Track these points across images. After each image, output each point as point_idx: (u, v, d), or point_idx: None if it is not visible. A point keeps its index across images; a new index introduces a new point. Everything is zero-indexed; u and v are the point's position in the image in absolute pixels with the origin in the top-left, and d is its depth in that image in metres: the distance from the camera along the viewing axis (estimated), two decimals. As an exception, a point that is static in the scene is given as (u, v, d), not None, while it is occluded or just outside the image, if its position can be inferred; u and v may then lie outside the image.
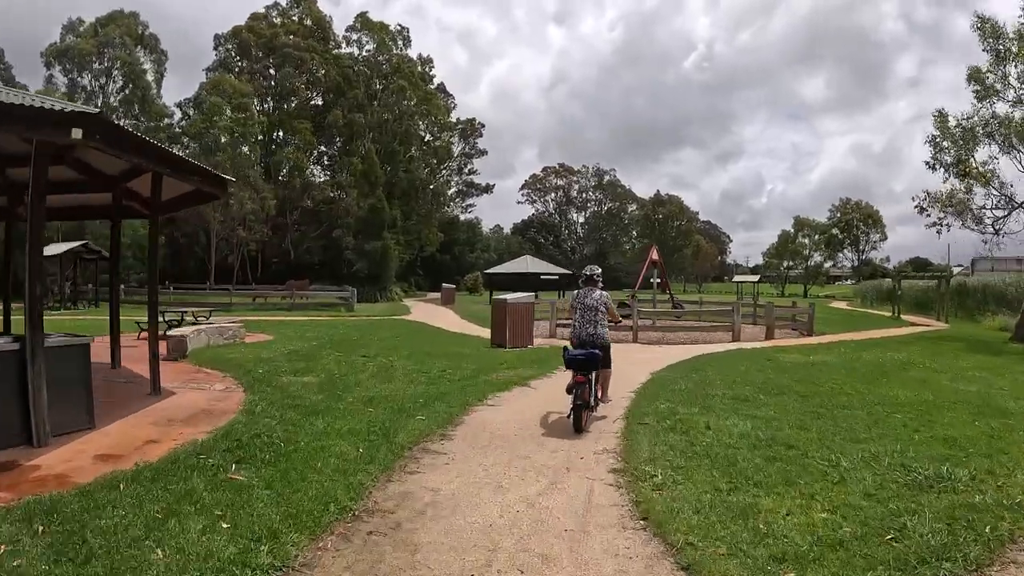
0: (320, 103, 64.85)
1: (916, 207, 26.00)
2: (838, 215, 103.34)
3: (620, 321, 10.48)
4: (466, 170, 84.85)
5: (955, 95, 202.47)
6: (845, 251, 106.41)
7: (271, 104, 61.44)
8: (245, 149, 50.44)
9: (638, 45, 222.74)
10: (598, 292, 9.36)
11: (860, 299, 60.03)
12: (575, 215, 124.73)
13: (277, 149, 59.06)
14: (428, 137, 75.13)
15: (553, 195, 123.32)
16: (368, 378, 12.20)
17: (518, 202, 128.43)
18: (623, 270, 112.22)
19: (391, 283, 51.43)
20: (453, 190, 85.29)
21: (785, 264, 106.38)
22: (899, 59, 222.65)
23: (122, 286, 39.04)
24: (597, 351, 8.79)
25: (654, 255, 26.37)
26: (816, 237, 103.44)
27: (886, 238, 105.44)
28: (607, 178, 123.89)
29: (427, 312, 36.99)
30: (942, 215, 25.19)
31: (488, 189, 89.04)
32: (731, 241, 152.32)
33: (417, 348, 17.53)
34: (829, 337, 23.18)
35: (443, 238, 75.55)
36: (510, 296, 18.53)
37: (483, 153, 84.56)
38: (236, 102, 48.97)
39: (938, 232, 25.74)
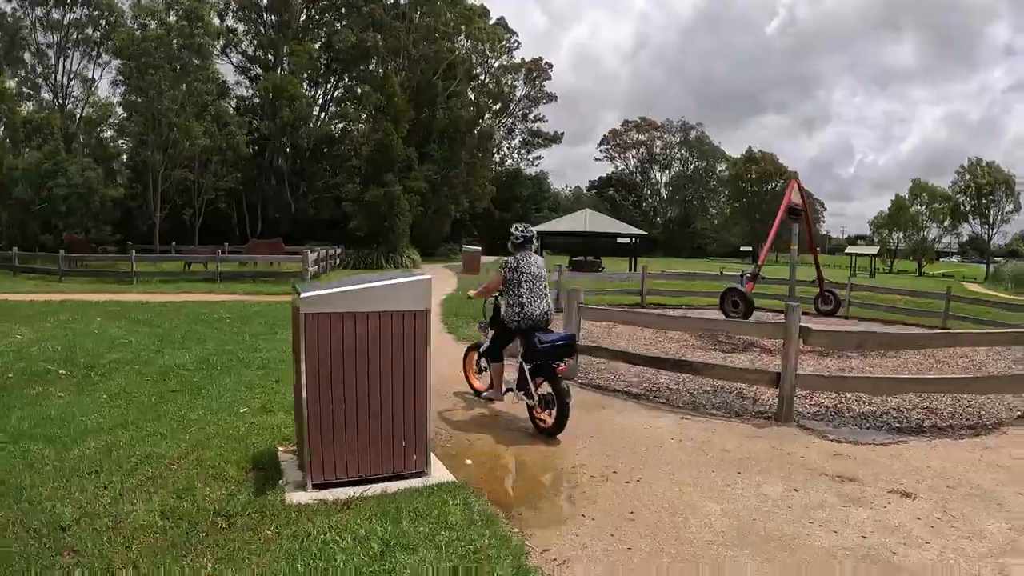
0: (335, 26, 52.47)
1: None
2: (967, 177, 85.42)
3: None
4: (531, 116, 71.94)
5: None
6: (971, 222, 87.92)
7: (266, 27, 49.63)
8: (196, 61, 38.25)
9: (719, 9, 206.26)
10: (539, 258, 7.50)
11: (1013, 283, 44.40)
12: (658, 174, 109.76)
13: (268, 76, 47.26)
14: (482, 75, 62.30)
15: (634, 151, 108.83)
16: None
17: (596, 159, 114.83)
18: (710, 236, 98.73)
19: (402, 244, 38.50)
20: (517, 140, 73.18)
21: (898, 236, 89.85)
22: (991, 26, 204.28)
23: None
24: (573, 332, 7.87)
25: (794, 195, 12.88)
26: (938, 205, 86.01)
27: (1020, 208, 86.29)
28: (694, 133, 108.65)
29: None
30: None
31: (557, 138, 75.65)
32: (825, 210, 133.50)
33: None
34: None
35: (495, 192, 62.15)
36: (327, 290, 5.00)
37: (552, 98, 71.39)
38: (184, 8, 37.29)
39: None
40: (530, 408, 7.02)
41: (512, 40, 65.23)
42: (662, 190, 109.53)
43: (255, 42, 48.62)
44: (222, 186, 42.45)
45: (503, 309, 7.56)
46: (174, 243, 35.87)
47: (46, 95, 43.32)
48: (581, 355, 9.31)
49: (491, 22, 60.88)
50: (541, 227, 44.10)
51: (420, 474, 5.15)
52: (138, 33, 36.44)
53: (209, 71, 39.59)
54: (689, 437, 6.83)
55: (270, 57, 49.12)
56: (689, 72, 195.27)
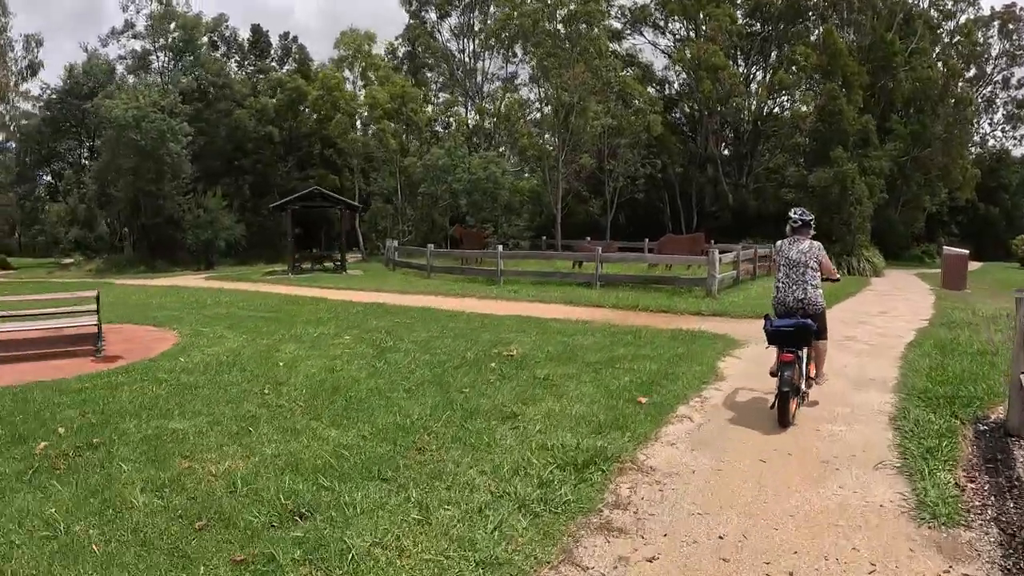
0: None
1: None
2: None
3: (838, 279, 7.72)
4: (1013, 81, 55.29)
5: None
6: None
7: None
8: (595, 31, 35.19)
9: None
10: (807, 243, 7.12)
11: None
12: None
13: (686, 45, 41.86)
14: (949, 33, 49.40)
15: None
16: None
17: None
18: None
19: (859, 242, 29.48)
20: (999, 112, 56.56)
21: None
22: None
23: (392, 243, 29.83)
24: (810, 321, 6.75)
25: None
26: None
27: None
28: None
29: (874, 325, 13.40)
30: None
31: (1048, 109, 58.92)
32: None
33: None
34: None
35: (978, 178, 47.32)
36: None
37: (1034, 54, 55.23)
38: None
39: None
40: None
41: (981, -17, 51.95)
42: None
43: (664, 12, 44.29)
44: (633, 173, 39.00)
45: None
46: (588, 238, 33.34)
47: (459, 95, 45.17)
48: None
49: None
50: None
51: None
52: (513, 12, 35.98)
53: (600, 42, 36.39)
54: None
55: (690, 33, 43.80)
56: None
